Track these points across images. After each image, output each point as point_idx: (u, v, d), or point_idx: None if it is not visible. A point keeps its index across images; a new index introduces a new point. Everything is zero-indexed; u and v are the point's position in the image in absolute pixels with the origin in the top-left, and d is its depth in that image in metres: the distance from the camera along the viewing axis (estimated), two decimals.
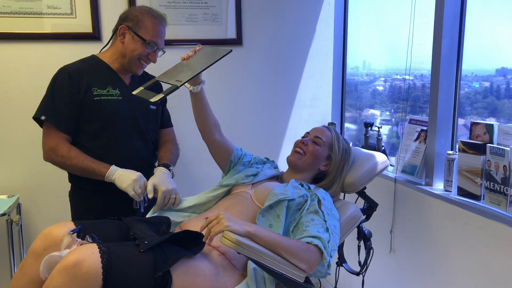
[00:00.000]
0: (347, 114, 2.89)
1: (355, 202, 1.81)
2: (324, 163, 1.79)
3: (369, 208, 1.92)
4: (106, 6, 2.34)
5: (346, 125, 2.90)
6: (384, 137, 2.37)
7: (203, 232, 1.35)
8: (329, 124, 2.70)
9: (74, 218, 1.87)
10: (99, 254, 1.16)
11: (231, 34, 2.55)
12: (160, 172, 1.76)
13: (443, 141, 1.98)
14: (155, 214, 1.67)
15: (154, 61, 1.86)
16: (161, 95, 1.44)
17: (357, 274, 1.91)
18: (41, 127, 1.81)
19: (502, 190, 1.61)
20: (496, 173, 1.63)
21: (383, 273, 2.25)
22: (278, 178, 1.82)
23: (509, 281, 1.59)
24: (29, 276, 1.29)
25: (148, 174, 1.78)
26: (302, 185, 1.67)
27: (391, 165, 2.20)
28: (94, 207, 1.84)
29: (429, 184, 2.00)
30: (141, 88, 1.59)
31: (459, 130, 2.01)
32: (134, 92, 1.57)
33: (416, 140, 2.10)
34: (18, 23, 2.23)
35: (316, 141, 1.78)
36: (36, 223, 2.35)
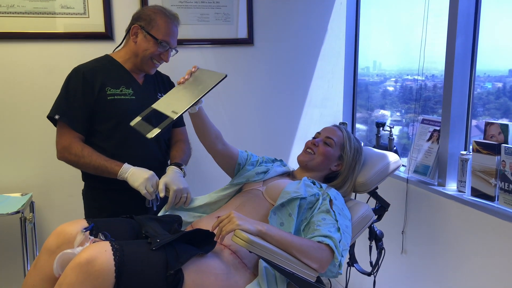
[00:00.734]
0: (357, 115, 2.87)
1: (367, 202, 1.80)
2: (335, 163, 1.78)
3: (381, 208, 1.91)
4: (119, 5, 2.35)
5: (357, 125, 2.88)
6: (394, 138, 2.35)
7: (215, 231, 1.36)
8: (340, 124, 2.69)
9: (87, 217, 1.89)
10: (112, 252, 1.17)
11: (243, 33, 2.56)
12: (171, 171, 1.77)
13: (456, 141, 1.96)
14: (166, 213, 1.68)
15: (167, 61, 1.87)
16: (157, 131, 1.46)
17: (368, 274, 1.90)
18: (55, 126, 1.83)
19: None
20: (511, 173, 1.61)
21: (394, 274, 2.24)
22: (290, 175, 1.82)
23: None
24: (42, 273, 1.30)
25: (160, 173, 1.78)
26: (314, 183, 1.66)
27: (403, 165, 2.18)
28: (107, 205, 1.85)
29: (442, 184, 1.98)
30: (139, 118, 1.59)
31: (472, 131, 1.98)
32: (132, 123, 1.58)
33: (428, 140, 2.08)
34: (32, 23, 2.25)
35: (327, 141, 1.77)
36: (49, 221, 2.38)
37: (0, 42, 2.23)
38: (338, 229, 1.47)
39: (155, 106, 1.60)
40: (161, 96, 1.93)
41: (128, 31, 1.86)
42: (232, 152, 1.78)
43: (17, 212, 1.99)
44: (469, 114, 1.97)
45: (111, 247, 1.18)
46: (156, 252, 1.23)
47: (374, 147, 2.41)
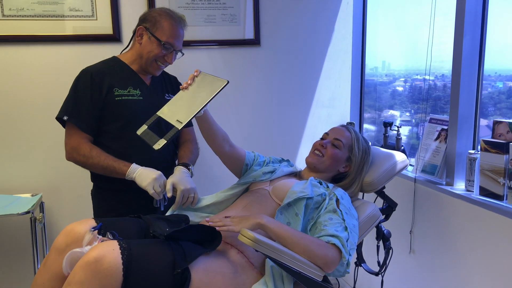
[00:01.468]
0: (366, 115, 2.87)
1: (374, 202, 1.80)
2: (343, 165, 1.78)
3: (388, 208, 1.91)
4: (127, 8, 2.37)
5: (365, 126, 2.88)
6: (404, 138, 2.34)
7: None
8: (347, 124, 2.68)
9: (96, 216, 1.90)
10: (120, 251, 1.18)
11: (249, 34, 2.57)
12: (179, 172, 1.78)
13: (464, 140, 1.95)
14: (174, 213, 1.69)
15: (171, 63, 1.88)
16: (164, 141, 1.48)
17: (376, 274, 1.89)
18: (64, 127, 1.85)
19: None
20: None
21: (402, 274, 2.23)
22: (297, 175, 1.82)
23: None
24: (52, 271, 1.32)
25: (168, 173, 1.80)
26: (321, 183, 1.66)
27: (410, 165, 2.17)
28: (116, 206, 1.87)
29: (450, 184, 1.97)
30: (145, 127, 1.60)
31: (483, 131, 1.96)
32: (138, 132, 1.59)
33: (436, 139, 2.07)
34: (42, 26, 2.28)
35: (336, 143, 1.77)
36: (59, 221, 2.40)
37: (10, 45, 2.26)
38: (345, 228, 1.47)
39: (160, 113, 1.61)
40: (169, 97, 1.95)
41: (134, 32, 1.88)
42: (239, 153, 1.78)
43: (27, 212, 2.02)
44: (477, 113, 1.96)
45: (119, 246, 1.20)
46: (163, 251, 1.25)
47: (381, 146, 2.41)
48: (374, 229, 1.80)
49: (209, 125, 1.65)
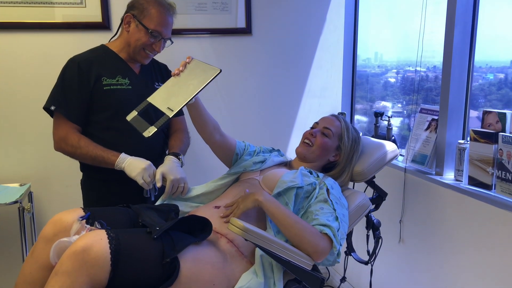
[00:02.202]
0: (358, 106, 2.86)
1: (364, 192, 1.80)
2: (333, 153, 1.78)
3: (378, 197, 1.91)
4: None
5: (357, 117, 2.87)
6: (395, 129, 2.34)
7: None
8: (339, 114, 2.68)
9: (86, 207, 1.89)
10: (108, 240, 1.17)
11: (241, 23, 2.54)
12: (169, 161, 1.77)
13: (454, 130, 1.95)
14: (164, 203, 1.68)
15: (159, 51, 1.85)
16: (154, 129, 1.47)
17: (366, 263, 1.91)
18: (52, 117, 1.82)
19: None
20: (508, 162, 1.61)
21: (391, 263, 2.25)
22: (287, 164, 1.82)
23: None
24: (39, 261, 1.31)
25: (158, 162, 1.78)
26: (311, 173, 1.66)
27: (401, 155, 2.18)
28: (105, 196, 1.86)
29: (440, 173, 1.98)
30: (135, 113, 1.58)
31: (472, 123, 1.97)
32: (128, 118, 1.58)
33: (426, 129, 2.08)
34: (29, 13, 2.25)
35: (325, 132, 1.76)
36: (48, 211, 2.39)
37: None
38: (336, 218, 1.47)
39: (151, 100, 1.59)
40: (158, 85, 1.92)
41: (122, 20, 1.85)
42: (230, 142, 1.78)
43: (15, 202, 2.00)
44: (467, 103, 1.96)
45: (106, 236, 1.19)
46: (152, 240, 1.24)
47: (372, 137, 2.41)
48: (364, 219, 1.81)
49: (200, 114, 1.64)
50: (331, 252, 1.43)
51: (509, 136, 1.61)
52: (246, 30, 2.56)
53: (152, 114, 1.74)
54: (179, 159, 1.82)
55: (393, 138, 2.31)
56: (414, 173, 2.07)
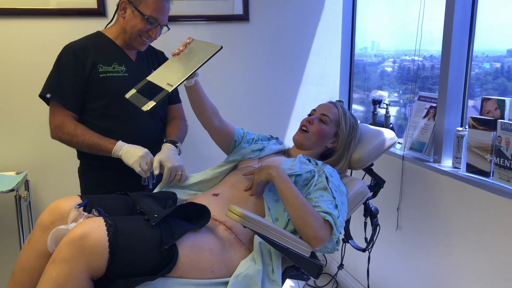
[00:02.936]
0: (354, 96, 2.85)
1: (362, 179, 1.80)
2: (331, 140, 1.77)
3: (376, 185, 1.92)
4: None
5: (354, 106, 2.86)
6: (392, 118, 2.35)
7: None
8: (337, 101, 2.67)
9: (83, 195, 1.89)
10: (105, 227, 1.16)
11: (238, 9, 2.52)
12: (166, 149, 1.76)
13: (452, 117, 1.95)
14: (161, 190, 1.67)
15: (155, 38, 1.83)
16: (152, 103, 1.46)
17: (363, 250, 1.91)
18: (48, 104, 1.81)
19: None
20: (506, 149, 1.61)
21: (389, 250, 2.26)
22: (285, 152, 1.81)
23: None
24: (37, 249, 1.30)
25: (156, 150, 1.78)
26: (309, 161, 1.66)
27: (398, 142, 2.18)
28: (103, 183, 1.85)
29: (438, 161, 1.98)
30: (134, 91, 1.58)
31: (469, 112, 1.95)
32: (127, 96, 1.58)
33: (425, 117, 2.07)
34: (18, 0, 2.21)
35: (323, 119, 1.76)
36: (45, 199, 2.38)
37: None
38: (336, 206, 1.47)
39: (150, 78, 1.59)
40: None
41: (118, 6, 1.82)
42: (229, 129, 1.78)
43: (12, 190, 1.99)
44: (465, 91, 1.95)
45: (104, 223, 1.18)
46: (150, 227, 1.23)
47: (370, 124, 2.40)
48: (362, 206, 1.81)
49: (199, 97, 1.64)
50: (330, 239, 1.43)
51: (508, 123, 1.60)
52: (244, 17, 2.53)
53: (151, 91, 1.73)
54: (176, 146, 1.81)
55: (391, 125, 2.30)
56: (412, 161, 2.07)
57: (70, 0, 2.28)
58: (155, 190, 1.70)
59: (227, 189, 1.57)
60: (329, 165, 1.67)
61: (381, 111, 2.38)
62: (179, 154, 1.79)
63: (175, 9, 2.15)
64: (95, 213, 1.32)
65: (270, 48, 2.62)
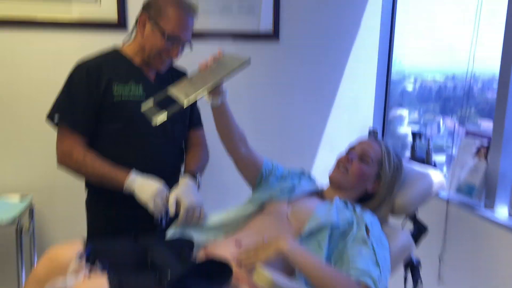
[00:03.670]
0: None
1: (402, 227, 1.58)
2: (372, 182, 1.55)
3: (418, 233, 1.68)
4: None
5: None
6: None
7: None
8: (371, 131, 2.45)
9: (90, 229, 1.71)
10: None
11: (268, 27, 2.33)
12: (184, 184, 1.56)
13: (509, 159, 1.71)
14: (176, 233, 1.47)
15: (176, 57, 1.64)
16: (164, 116, 1.33)
17: None
18: (57, 125, 1.63)
19: None
20: None
21: None
22: (319, 193, 1.60)
23: None
24: None
25: (173, 180, 1.60)
26: (346, 204, 1.45)
27: None
28: (113, 218, 1.66)
29: (490, 207, 1.74)
30: (151, 103, 1.44)
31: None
32: (143, 109, 1.45)
33: (475, 156, 1.84)
34: (38, 8, 2.07)
35: (364, 158, 1.54)
36: (50, 227, 2.20)
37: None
38: (377, 264, 1.25)
39: (170, 90, 1.44)
40: None
41: (137, 21, 1.64)
42: (256, 158, 1.60)
43: (13, 221, 1.80)
44: None
45: (108, 284, 0.99)
46: None
47: (410, 159, 2.19)
48: None
49: (226, 119, 1.48)
50: None
51: None
52: (273, 36, 2.34)
53: (168, 106, 1.55)
54: (195, 179, 1.62)
55: (434, 163, 2.07)
56: (459, 205, 1.83)
57: (88, 11, 2.12)
58: (170, 231, 1.50)
59: (251, 237, 1.36)
60: (369, 212, 1.46)
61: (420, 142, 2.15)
62: (198, 188, 1.60)
63: (200, 24, 1.97)
64: (98, 265, 1.13)
65: (301, 70, 2.42)
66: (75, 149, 1.57)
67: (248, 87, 2.32)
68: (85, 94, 1.57)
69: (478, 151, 1.83)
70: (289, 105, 2.43)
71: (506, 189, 1.71)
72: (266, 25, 2.32)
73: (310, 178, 1.67)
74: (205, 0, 2.21)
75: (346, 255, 1.28)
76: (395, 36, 2.54)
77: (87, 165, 1.56)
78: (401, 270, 1.68)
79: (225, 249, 1.31)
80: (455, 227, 1.85)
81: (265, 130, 2.41)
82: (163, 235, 1.48)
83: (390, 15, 2.54)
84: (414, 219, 1.68)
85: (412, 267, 1.65)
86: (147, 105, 1.43)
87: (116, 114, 1.61)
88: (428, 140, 2.08)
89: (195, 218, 1.49)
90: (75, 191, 2.11)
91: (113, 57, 1.66)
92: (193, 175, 1.63)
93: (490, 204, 1.75)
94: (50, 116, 1.60)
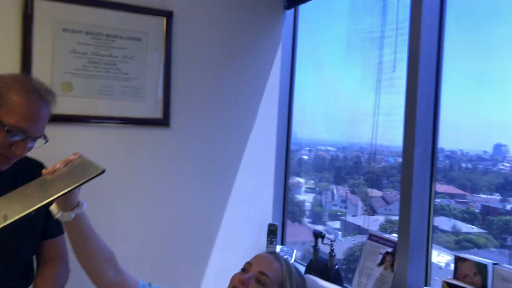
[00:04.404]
0: None
1: None
2: None
3: None
4: None
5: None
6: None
7: None
8: (269, 226, 2.23)
9: None
10: None
11: (157, 112, 2.07)
12: None
13: (416, 271, 1.58)
14: None
15: (21, 155, 1.29)
16: None
17: None
18: None
19: None
20: None
21: None
22: None
23: None
24: None
25: None
26: None
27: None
28: None
29: None
30: None
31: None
32: None
33: (380, 264, 1.68)
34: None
35: (261, 279, 1.28)
36: None
37: None
38: None
39: None
40: None
41: None
42: (129, 284, 1.26)
43: None
44: (429, 236, 1.62)
45: None
46: None
47: (311, 261, 1.99)
48: None
49: (82, 237, 1.16)
50: None
51: None
52: (163, 122, 2.08)
53: None
54: None
55: (336, 267, 1.88)
56: None
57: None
58: None
59: None
60: None
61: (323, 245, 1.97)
62: None
63: (76, 107, 1.65)
64: None
65: (194, 159, 2.16)
66: None
67: (131, 178, 2.00)
68: None
69: (383, 259, 1.68)
70: (180, 197, 2.13)
71: None
72: (156, 110, 2.06)
73: None
74: (86, 84, 1.90)
75: None
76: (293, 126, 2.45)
77: None
78: None
79: None
80: None
81: (152, 227, 2.07)
82: None
83: (288, 101, 2.46)
84: None
85: None
86: None
87: None
88: (331, 243, 1.91)
89: None
90: None
91: None
92: None
93: None
94: None
